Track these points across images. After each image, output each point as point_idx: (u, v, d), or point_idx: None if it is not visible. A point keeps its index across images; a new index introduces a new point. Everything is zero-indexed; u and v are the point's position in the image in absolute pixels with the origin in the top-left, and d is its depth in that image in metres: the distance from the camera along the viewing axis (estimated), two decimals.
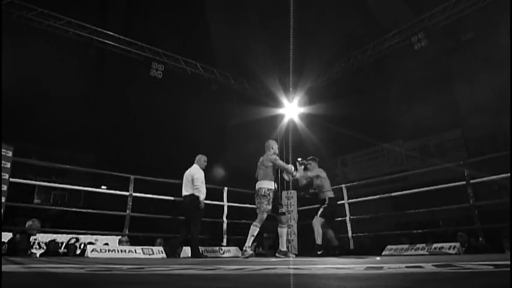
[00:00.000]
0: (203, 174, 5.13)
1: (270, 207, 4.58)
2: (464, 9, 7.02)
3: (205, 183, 5.07)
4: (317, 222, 4.94)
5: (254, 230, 4.53)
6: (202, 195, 4.95)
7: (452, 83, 9.69)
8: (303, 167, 5.15)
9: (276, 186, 4.77)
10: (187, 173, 5.13)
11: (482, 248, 4.60)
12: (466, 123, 9.53)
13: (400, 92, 10.16)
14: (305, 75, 9.75)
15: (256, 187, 4.76)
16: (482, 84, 8.90)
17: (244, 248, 4.53)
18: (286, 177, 5.01)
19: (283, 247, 4.69)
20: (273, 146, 4.94)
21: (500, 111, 8.48)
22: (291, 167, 4.84)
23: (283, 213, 4.80)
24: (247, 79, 10.30)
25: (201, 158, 5.27)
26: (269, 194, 4.60)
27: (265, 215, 4.59)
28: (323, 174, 5.27)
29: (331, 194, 5.18)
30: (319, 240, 4.87)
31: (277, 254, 4.74)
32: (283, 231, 4.73)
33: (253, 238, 4.54)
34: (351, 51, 9.24)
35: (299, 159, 5.19)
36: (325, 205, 5.02)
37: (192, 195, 4.94)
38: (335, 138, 11.26)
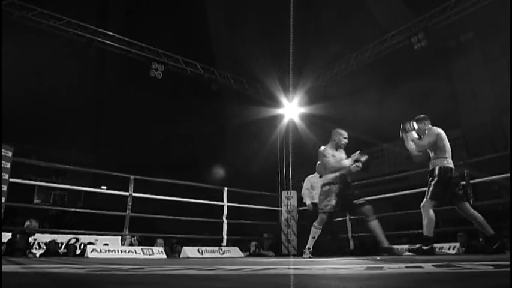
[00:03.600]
0: (309, 184, 5.97)
1: (332, 203, 3.94)
2: (464, 9, 7.01)
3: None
4: (427, 205, 3.69)
5: (314, 231, 4.03)
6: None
7: (452, 83, 9.69)
8: (413, 133, 3.89)
9: (344, 179, 4.09)
10: None
11: (482, 248, 4.59)
12: (466, 123, 9.53)
13: (400, 92, 10.15)
14: (305, 75, 9.74)
15: None
16: (482, 84, 8.91)
17: (304, 250, 4.13)
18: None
19: (383, 243, 3.87)
20: (334, 136, 4.28)
21: (500, 111, 8.49)
22: (333, 166, 4.07)
23: (363, 204, 3.96)
24: (247, 79, 10.29)
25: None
26: (329, 189, 4.01)
27: (324, 215, 3.99)
28: (440, 133, 3.73)
29: (444, 162, 3.67)
30: (426, 231, 3.68)
31: (381, 254, 3.98)
32: (372, 224, 3.89)
33: (314, 240, 4.04)
34: (351, 51, 9.23)
35: (409, 123, 3.92)
36: (435, 181, 3.68)
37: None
38: None
